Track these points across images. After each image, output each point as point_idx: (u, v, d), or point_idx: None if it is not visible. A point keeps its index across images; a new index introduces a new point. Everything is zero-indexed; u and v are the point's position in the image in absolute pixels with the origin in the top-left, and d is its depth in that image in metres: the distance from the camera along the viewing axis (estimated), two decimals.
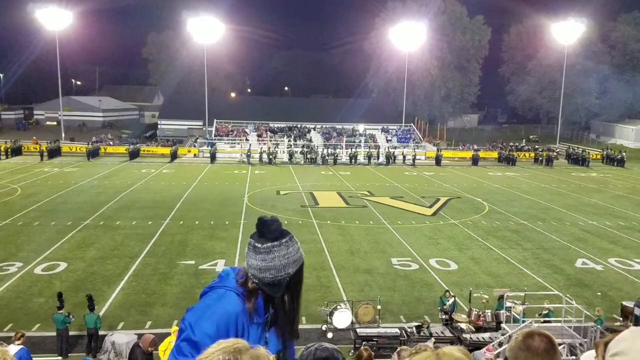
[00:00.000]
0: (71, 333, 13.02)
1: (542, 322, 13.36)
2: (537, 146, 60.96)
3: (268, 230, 2.09)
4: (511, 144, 61.31)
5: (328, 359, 2.02)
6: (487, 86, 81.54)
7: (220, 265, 18.68)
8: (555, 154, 54.25)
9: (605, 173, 46.27)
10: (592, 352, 3.00)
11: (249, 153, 48.07)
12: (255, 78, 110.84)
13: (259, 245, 2.09)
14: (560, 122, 66.32)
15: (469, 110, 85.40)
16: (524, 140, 68.71)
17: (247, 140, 53.32)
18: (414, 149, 53.11)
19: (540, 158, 52.94)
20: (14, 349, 9.82)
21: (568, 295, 14.67)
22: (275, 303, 2.15)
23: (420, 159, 51.25)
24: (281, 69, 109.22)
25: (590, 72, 70.33)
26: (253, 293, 2.12)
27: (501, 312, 14.01)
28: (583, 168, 49.67)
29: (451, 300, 14.49)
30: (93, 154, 48.21)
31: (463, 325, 13.66)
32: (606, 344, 2.62)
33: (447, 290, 15.12)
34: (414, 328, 13.43)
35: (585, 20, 63.18)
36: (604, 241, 23.17)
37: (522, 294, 14.81)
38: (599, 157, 54.91)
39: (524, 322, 12.96)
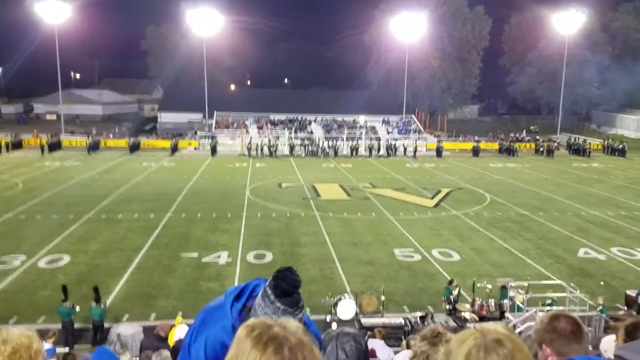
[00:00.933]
0: (76, 325, 13.06)
1: (546, 312, 13.39)
2: (537, 137, 60.87)
3: (278, 283, 1.92)
4: (512, 135, 61.23)
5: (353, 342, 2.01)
6: (488, 77, 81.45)
7: (223, 258, 18.69)
8: (556, 144, 54.19)
9: (607, 163, 46.26)
10: (611, 337, 3.02)
11: (249, 146, 48.02)
12: (255, 70, 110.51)
13: (267, 287, 1.95)
14: (561, 112, 66.18)
15: (470, 102, 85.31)
16: (525, 131, 68.60)
17: (247, 132, 53.26)
18: (415, 141, 53.04)
19: (541, 149, 52.89)
20: (46, 345, 10.02)
21: (572, 284, 14.69)
22: None
23: (421, 151, 51.20)
24: (281, 60, 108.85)
25: (591, 62, 70.11)
26: None
27: (504, 301, 14.05)
28: (584, 158, 49.65)
29: (457, 289, 14.53)
30: (93, 147, 48.14)
31: (467, 315, 13.70)
32: (626, 328, 2.63)
33: (452, 280, 15.12)
34: (418, 318, 13.47)
35: (586, 10, 62.92)
36: (606, 231, 23.19)
37: (526, 283, 14.84)
38: (600, 147, 54.84)
39: (527, 311, 12.99)
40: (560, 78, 64.24)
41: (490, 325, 1.49)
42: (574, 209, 27.23)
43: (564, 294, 14.02)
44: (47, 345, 10.16)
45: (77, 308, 12.94)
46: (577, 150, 52.72)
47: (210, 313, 2.00)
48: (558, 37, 64.51)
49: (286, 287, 1.91)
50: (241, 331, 1.46)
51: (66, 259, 18.31)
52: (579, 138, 57.93)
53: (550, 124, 75.80)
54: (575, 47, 66.85)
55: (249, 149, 47.74)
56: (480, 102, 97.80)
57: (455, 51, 73.46)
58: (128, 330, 12.41)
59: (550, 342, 1.99)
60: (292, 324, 1.46)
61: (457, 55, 74.16)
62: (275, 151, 48.31)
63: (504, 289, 14.58)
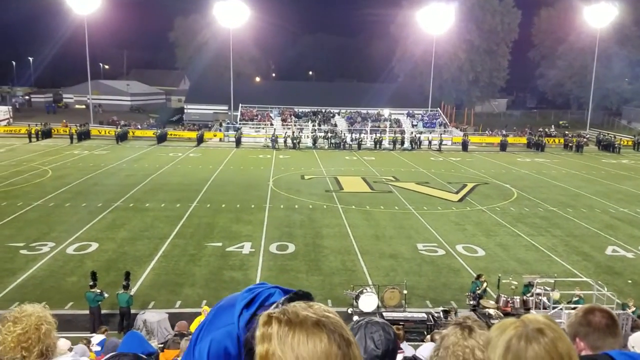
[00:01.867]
0: (103, 311, 13.34)
1: (572, 309, 13.20)
2: (566, 132, 59.72)
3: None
4: (540, 129, 60.18)
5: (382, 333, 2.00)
6: (516, 70, 79.90)
7: (246, 248, 18.84)
8: (585, 140, 53.07)
9: (637, 160, 45.18)
10: None
11: (273, 137, 48.18)
12: (280, 62, 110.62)
13: (280, 304, 1.78)
14: (590, 107, 64.69)
15: (498, 95, 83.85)
16: (554, 126, 67.35)
17: (271, 124, 53.43)
18: (440, 134, 52.51)
19: (570, 144, 51.89)
20: (99, 337, 10.48)
21: (599, 281, 14.44)
22: None
23: (446, 145, 50.69)
24: (305, 53, 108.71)
25: (623, 56, 68.35)
26: (249, 342, 1.83)
27: (529, 296, 13.90)
28: (614, 155, 48.56)
29: (484, 285, 14.41)
30: (122, 137, 48.87)
31: (491, 311, 13.58)
32: None
33: (480, 275, 14.96)
34: (441, 313, 13.41)
35: (618, 3, 61.27)
36: (635, 229, 22.68)
37: (552, 280, 14.64)
38: (630, 143, 53.60)
39: (553, 308, 12.83)
40: (591, 72, 62.78)
41: (531, 314, 1.47)
42: (603, 206, 26.70)
43: (590, 292, 13.79)
44: (99, 337, 10.57)
45: (106, 294, 13.23)
46: (607, 146, 51.61)
47: (220, 312, 1.92)
48: (589, 30, 62.97)
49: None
50: (275, 328, 1.28)
51: (94, 246, 18.68)
52: (608, 134, 56.59)
53: (580, 119, 74.26)
54: (607, 41, 65.19)
55: (273, 141, 47.91)
56: (509, 96, 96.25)
57: (483, 43, 72.05)
58: (154, 317, 12.63)
59: (585, 335, 1.97)
60: (312, 304, 1.36)
61: (485, 48, 72.77)
62: (299, 143, 48.38)
63: (528, 285, 14.42)
